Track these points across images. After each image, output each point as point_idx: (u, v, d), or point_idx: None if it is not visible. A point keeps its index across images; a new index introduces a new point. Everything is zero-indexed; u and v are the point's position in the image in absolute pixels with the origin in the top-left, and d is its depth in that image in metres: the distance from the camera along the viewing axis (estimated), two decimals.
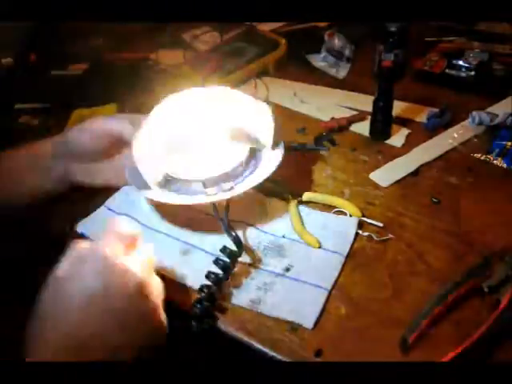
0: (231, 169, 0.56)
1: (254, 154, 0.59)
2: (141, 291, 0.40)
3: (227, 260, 0.51)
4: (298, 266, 0.53)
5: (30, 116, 0.84)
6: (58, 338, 0.38)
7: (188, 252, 0.57)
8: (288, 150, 0.61)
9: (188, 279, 0.53)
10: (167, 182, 0.57)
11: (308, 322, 0.48)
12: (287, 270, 0.53)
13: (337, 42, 0.91)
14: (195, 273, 0.52)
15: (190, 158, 0.58)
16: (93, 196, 0.64)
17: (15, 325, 0.40)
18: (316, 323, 0.48)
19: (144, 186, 0.56)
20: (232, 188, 0.55)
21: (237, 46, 0.92)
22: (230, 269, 0.51)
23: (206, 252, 0.56)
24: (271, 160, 0.58)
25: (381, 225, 0.58)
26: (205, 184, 0.55)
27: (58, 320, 0.38)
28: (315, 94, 0.85)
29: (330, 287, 0.51)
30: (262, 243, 0.57)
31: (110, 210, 0.63)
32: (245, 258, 0.55)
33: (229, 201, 0.55)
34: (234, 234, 0.53)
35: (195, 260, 0.56)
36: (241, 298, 0.51)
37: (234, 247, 0.52)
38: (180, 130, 0.60)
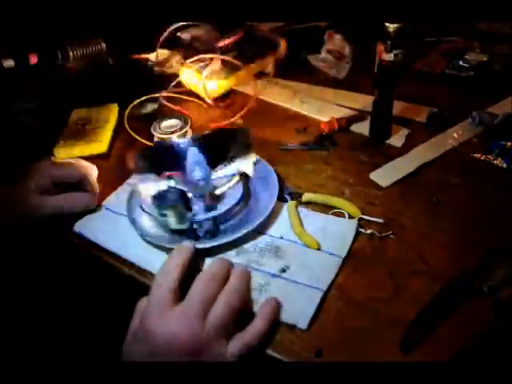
0: (219, 214, 0.57)
1: (245, 203, 0.60)
2: None
3: None
4: (294, 267, 0.53)
5: (30, 116, 0.84)
6: None
7: None
8: (288, 150, 0.60)
9: None
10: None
11: (302, 323, 0.47)
12: (283, 270, 0.53)
13: (337, 42, 0.91)
14: None
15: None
16: None
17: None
18: (311, 324, 0.48)
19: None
20: (214, 237, 0.56)
21: (237, 46, 0.92)
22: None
23: None
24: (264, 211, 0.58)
25: (381, 221, 0.58)
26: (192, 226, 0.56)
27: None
28: (315, 94, 0.85)
29: (325, 288, 0.51)
30: (259, 244, 0.57)
31: (107, 209, 0.63)
32: (241, 259, 0.55)
33: None
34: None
35: None
36: None
37: None
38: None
